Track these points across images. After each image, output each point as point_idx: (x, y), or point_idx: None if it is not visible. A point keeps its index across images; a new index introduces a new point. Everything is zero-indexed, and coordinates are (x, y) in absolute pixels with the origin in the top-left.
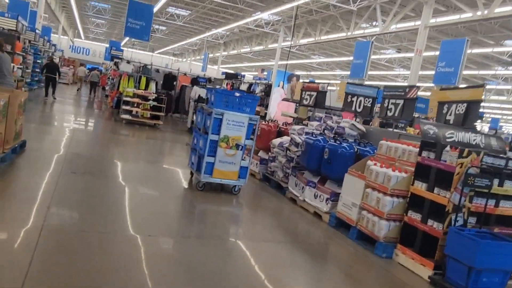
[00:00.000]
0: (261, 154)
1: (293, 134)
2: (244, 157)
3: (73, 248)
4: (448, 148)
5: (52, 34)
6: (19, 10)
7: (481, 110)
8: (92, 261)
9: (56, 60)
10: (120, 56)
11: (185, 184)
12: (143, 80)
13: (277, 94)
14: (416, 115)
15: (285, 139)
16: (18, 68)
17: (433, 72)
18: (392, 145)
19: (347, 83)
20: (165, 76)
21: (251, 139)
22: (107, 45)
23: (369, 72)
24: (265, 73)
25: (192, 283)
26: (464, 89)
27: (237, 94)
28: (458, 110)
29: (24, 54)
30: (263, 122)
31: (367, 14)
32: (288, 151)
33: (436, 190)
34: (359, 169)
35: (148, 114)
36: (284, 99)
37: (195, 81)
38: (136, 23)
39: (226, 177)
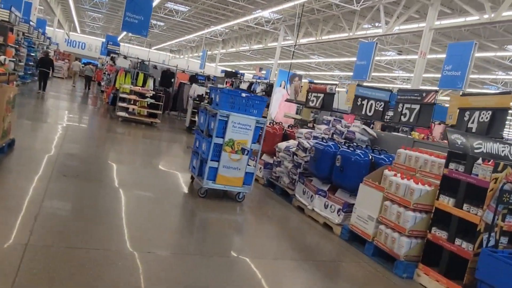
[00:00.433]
0: (265, 158)
1: (300, 138)
2: (250, 163)
3: (63, 272)
4: (480, 161)
5: (47, 27)
6: (13, 1)
7: None
8: None
9: (51, 54)
10: (117, 51)
11: (185, 190)
12: (141, 76)
13: (279, 94)
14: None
15: (292, 143)
16: (10, 61)
17: (434, 75)
18: (412, 154)
19: (357, 85)
20: (163, 72)
21: (258, 143)
22: (104, 40)
23: None
24: (263, 71)
25: None
26: (490, 95)
27: (244, 95)
28: (482, 118)
29: (17, 46)
30: (267, 124)
31: (370, 15)
32: (295, 156)
33: (465, 206)
34: (375, 179)
35: (145, 112)
36: (287, 100)
37: (194, 78)
38: (134, 17)
39: (231, 183)
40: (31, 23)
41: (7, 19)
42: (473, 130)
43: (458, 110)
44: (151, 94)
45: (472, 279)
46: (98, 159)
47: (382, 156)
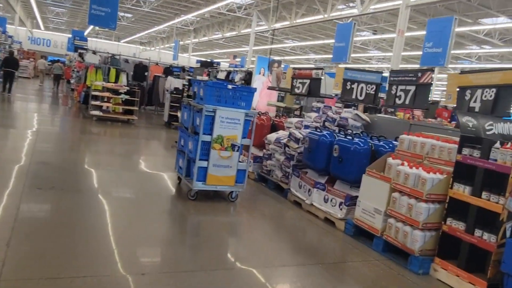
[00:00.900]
0: (254, 151)
1: (291, 128)
2: (242, 159)
3: None
4: (497, 144)
5: (7, 25)
6: None
7: None
8: None
9: (15, 53)
10: (84, 47)
11: (173, 192)
12: (113, 71)
13: (259, 82)
14: None
15: (282, 133)
16: None
17: (410, 53)
18: (417, 140)
19: (345, 68)
20: (135, 66)
21: (249, 137)
22: (70, 35)
23: None
24: (238, 59)
25: None
26: (492, 72)
27: (230, 87)
28: (485, 96)
29: None
30: None
31: None
32: (287, 148)
33: (484, 194)
34: (379, 169)
35: (120, 109)
36: (269, 88)
37: (169, 71)
38: (100, 10)
39: (222, 183)
40: None
41: None
42: (476, 110)
43: (457, 89)
44: (125, 90)
45: (496, 272)
46: (74, 166)
47: (381, 143)
